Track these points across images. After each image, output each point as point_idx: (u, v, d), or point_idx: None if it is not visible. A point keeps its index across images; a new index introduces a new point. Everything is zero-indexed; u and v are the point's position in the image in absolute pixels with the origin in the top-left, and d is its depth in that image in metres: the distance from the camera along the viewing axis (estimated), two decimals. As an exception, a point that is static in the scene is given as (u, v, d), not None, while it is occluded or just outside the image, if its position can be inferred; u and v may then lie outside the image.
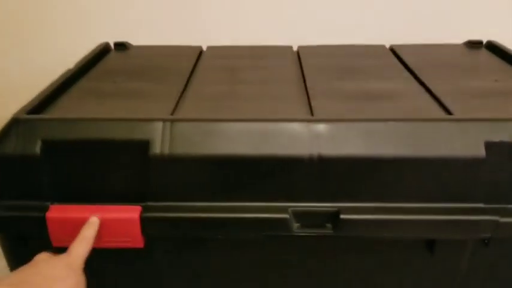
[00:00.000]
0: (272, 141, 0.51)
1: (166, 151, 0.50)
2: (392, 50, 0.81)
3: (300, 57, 0.77)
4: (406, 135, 0.51)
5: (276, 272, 0.56)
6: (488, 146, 0.50)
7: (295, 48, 0.83)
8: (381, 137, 0.51)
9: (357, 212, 0.51)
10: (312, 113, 0.56)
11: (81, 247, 0.47)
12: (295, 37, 0.89)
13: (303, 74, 0.69)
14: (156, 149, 0.50)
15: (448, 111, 0.56)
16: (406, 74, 0.69)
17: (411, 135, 0.51)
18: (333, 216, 0.51)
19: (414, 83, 0.65)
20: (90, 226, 0.48)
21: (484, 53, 0.79)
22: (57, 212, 0.50)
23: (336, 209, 0.51)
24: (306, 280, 0.57)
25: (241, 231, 0.51)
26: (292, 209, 0.51)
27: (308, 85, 0.64)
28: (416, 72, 0.69)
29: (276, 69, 0.71)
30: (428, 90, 0.63)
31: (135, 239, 0.50)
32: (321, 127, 0.51)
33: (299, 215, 0.51)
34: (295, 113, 0.56)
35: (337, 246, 0.54)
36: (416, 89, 0.63)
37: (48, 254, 0.47)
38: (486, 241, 0.52)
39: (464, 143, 0.50)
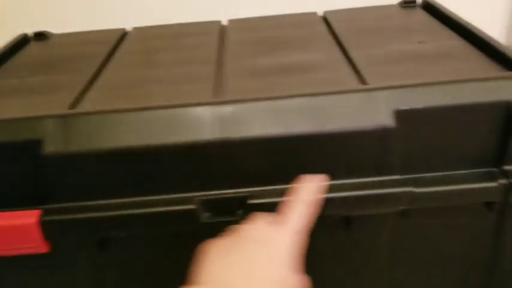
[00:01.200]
0: (173, 129, 0.48)
1: (60, 149, 0.47)
2: (325, 17, 0.77)
3: (226, 33, 0.74)
4: (311, 111, 0.48)
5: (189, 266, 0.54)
6: (398, 114, 0.48)
7: (225, 23, 0.79)
8: (286, 114, 0.48)
9: (266, 195, 0.49)
10: (222, 94, 0.53)
11: (299, 218, 0.42)
12: (228, 11, 0.86)
13: (225, 51, 0.66)
14: (50, 147, 0.47)
15: (363, 81, 0.54)
16: (331, 43, 0.66)
17: (317, 110, 0.48)
18: (242, 202, 0.48)
19: (337, 52, 0.63)
20: (308, 193, 0.44)
21: (418, 13, 0.76)
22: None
23: (244, 194, 0.48)
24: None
25: (149, 226, 0.49)
26: (200, 198, 0.49)
27: (226, 63, 0.62)
28: (342, 40, 0.66)
29: (197, 48, 0.68)
30: (349, 59, 0.60)
31: (38, 245, 0.48)
32: (226, 109, 0.49)
33: (207, 204, 0.49)
34: (203, 96, 0.53)
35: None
36: (338, 59, 0.61)
37: (260, 224, 0.41)
38: (404, 213, 0.50)
39: (372, 113, 0.48)
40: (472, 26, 0.64)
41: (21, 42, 0.75)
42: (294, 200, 0.44)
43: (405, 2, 0.78)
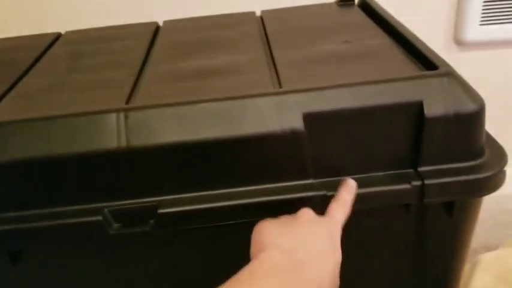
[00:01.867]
0: (78, 137, 0.47)
1: (-42, 161, 0.45)
2: (261, 17, 0.76)
3: (159, 34, 0.72)
4: (220, 116, 0.47)
5: (105, 276, 0.53)
6: (308, 117, 0.47)
7: (161, 24, 0.78)
8: (193, 120, 0.47)
9: (178, 204, 0.48)
10: (134, 100, 0.52)
11: (342, 212, 0.45)
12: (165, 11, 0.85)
13: (151, 54, 0.65)
14: None
15: (280, 84, 0.53)
16: (259, 44, 0.65)
17: (225, 115, 0.47)
18: (152, 211, 0.47)
19: (262, 54, 0.62)
20: (349, 190, 0.46)
21: (355, 12, 0.75)
22: None
23: (154, 203, 0.47)
24: (137, 281, 0.54)
25: (57, 239, 0.48)
26: (108, 208, 0.47)
27: (147, 67, 0.60)
28: (271, 41, 0.65)
29: (124, 52, 0.66)
30: (272, 60, 0.59)
31: None
32: (130, 115, 0.47)
33: (116, 215, 0.48)
34: (117, 102, 0.52)
35: (164, 241, 0.51)
36: (261, 61, 0.60)
37: (311, 212, 0.44)
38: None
39: (281, 117, 0.47)
40: (401, 25, 0.64)
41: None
42: (338, 197, 0.46)
43: (342, 0, 0.78)
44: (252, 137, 0.47)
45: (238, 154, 0.47)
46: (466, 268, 0.71)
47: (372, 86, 0.48)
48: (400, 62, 0.55)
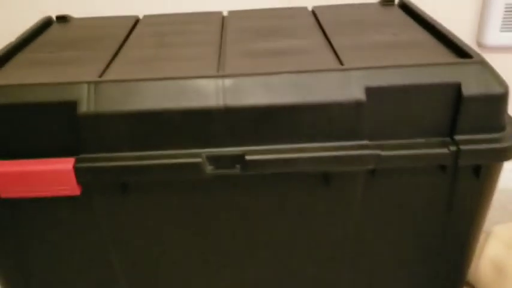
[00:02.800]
0: (185, 96, 0.59)
1: (92, 109, 0.58)
2: (313, 11, 0.88)
3: (226, 22, 0.84)
4: (298, 85, 0.59)
5: (194, 213, 0.65)
6: (368, 90, 0.59)
7: (226, 14, 0.90)
8: (277, 87, 0.59)
9: (260, 153, 0.59)
10: (223, 70, 0.64)
11: None
12: (228, 4, 0.97)
13: (225, 36, 0.77)
14: (83, 108, 0.58)
15: (341, 63, 0.64)
16: (317, 32, 0.77)
17: (303, 85, 0.59)
18: (240, 158, 0.59)
19: (321, 40, 0.73)
20: None
21: (395, 11, 0.87)
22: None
23: (242, 152, 0.59)
24: (223, 220, 0.66)
25: (164, 175, 0.59)
26: (205, 153, 0.59)
27: (226, 47, 0.72)
28: (327, 30, 0.77)
29: (201, 34, 0.78)
30: (331, 45, 0.71)
31: (72, 187, 0.58)
32: (226, 81, 0.59)
33: (211, 159, 0.60)
34: (207, 71, 0.64)
35: (246, 186, 0.63)
36: (321, 45, 0.71)
37: None
38: (372, 172, 0.62)
39: (348, 89, 0.59)
40: (437, 22, 0.76)
41: (45, 24, 0.85)
42: None
43: (384, 1, 0.90)
44: (323, 104, 0.59)
45: (311, 117, 0.59)
46: (480, 238, 0.82)
47: (421, 68, 0.60)
48: (441, 52, 0.67)
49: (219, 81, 0.59)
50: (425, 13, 0.81)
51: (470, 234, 0.70)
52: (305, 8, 0.90)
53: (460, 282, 0.77)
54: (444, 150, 0.60)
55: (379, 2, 0.91)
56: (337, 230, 0.67)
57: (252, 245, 0.68)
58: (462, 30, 1.04)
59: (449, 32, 0.71)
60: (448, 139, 0.61)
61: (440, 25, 0.74)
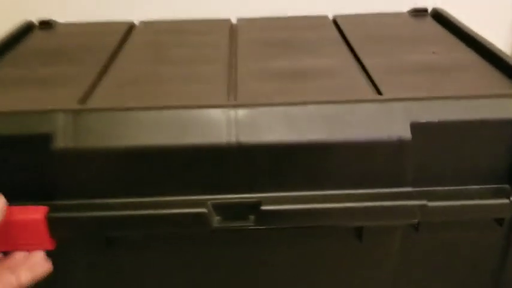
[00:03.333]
0: (187, 130, 0.47)
1: (71, 144, 0.46)
2: (335, 21, 0.77)
3: (236, 31, 0.73)
4: (327, 119, 0.48)
5: (199, 270, 0.53)
6: (414, 127, 0.47)
7: (234, 21, 0.78)
8: (302, 121, 0.48)
9: (279, 202, 0.48)
10: (235, 97, 0.53)
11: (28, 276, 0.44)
12: (236, 8, 0.85)
13: (236, 50, 0.65)
14: (60, 142, 0.46)
15: (378, 90, 0.53)
16: (343, 48, 0.66)
17: (333, 118, 0.48)
18: (255, 208, 0.48)
19: (349, 58, 0.62)
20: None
21: (429, 22, 0.76)
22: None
23: (257, 199, 0.48)
24: (232, 277, 0.54)
25: (158, 228, 0.48)
26: (211, 201, 0.48)
27: (237, 64, 0.61)
28: (354, 45, 0.66)
29: (207, 46, 0.67)
30: (362, 66, 0.60)
31: (43, 241, 0.47)
32: (240, 113, 0.48)
33: (219, 208, 0.48)
34: (217, 97, 0.53)
35: (261, 239, 0.51)
36: (350, 65, 0.60)
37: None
38: (416, 226, 0.50)
39: (389, 124, 0.47)
40: (481, 37, 0.65)
41: (25, 30, 0.73)
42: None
43: (415, 11, 0.78)
44: (358, 143, 0.47)
45: (343, 158, 0.48)
46: None
47: (478, 100, 0.49)
48: (494, 76, 0.56)
49: (231, 112, 0.48)
50: (465, 25, 0.69)
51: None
52: (325, 17, 0.79)
53: None
54: (503, 201, 0.49)
55: (410, 12, 0.79)
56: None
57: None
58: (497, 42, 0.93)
59: (500, 51, 0.60)
60: (507, 186, 0.50)
61: (486, 41, 0.63)
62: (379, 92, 0.53)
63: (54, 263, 0.48)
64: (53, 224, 0.46)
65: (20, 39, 0.70)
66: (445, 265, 0.55)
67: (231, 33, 0.72)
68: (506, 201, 0.49)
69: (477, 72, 0.58)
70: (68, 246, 0.49)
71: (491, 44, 0.62)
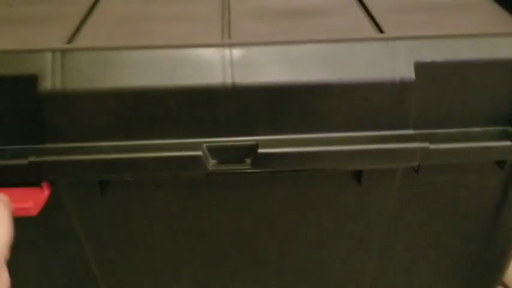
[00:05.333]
0: (180, 71, 0.45)
1: (59, 86, 0.44)
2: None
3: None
4: (327, 58, 0.45)
5: (195, 215, 0.53)
6: (418, 67, 0.46)
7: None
8: (300, 61, 0.45)
9: (276, 144, 0.47)
10: (229, 36, 0.50)
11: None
12: None
13: (229, -12, 0.62)
14: (47, 84, 0.44)
15: (380, 29, 0.51)
16: (343, -14, 0.62)
17: (333, 58, 0.46)
18: (251, 150, 0.46)
19: (350, -4, 0.59)
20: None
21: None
22: None
23: (254, 142, 0.46)
24: (227, 222, 0.53)
25: (153, 171, 0.46)
26: (207, 144, 0.46)
27: (231, 2, 0.58)
28: (354, -16, 0.62)
29: (200, -15, 0.63)
30: (363, 4, 0.57)
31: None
32: (235, 52, 0.45)
33: (215, 151, 0.47)
34: (211, 37, 0.50)
35: (259, 182, 0.50)
36: (350, 3, 0.57)
37: None
38: (416, 169, 0.49)
39: (391, 64, 0.45)
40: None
41: (7, -32, 0.69)
42: None
43: None
44: (358, 83, 0.46)
45: (342, 99, 0.46)
46: None
47: (483, 38, 0.47)
48: (499, 16, 0.54)
49: (226, 52, 0.45)
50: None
51: (518, 236, 0.58)
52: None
53: (495, 283, 0.66)
54: (506, 143, 0.48)
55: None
56: (365, 235, 0.55)
57: (262, 253, 0.56)
58: None
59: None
60: (510, 128, 0.49)
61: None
62: (380, 31, 0.50)
63: (47, 212, 0.47)
64: (44, 167, 0.45)
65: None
66: (443, 209, 0.54)
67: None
68: (508, 143, 0.48)
69: (483, 11, 0.55)
70: (61, 193, 0.48)
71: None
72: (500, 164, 0.50)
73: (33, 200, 0.45)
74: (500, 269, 0.63)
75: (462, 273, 0.62)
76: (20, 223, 0.40)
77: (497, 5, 0.56)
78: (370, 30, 0.51)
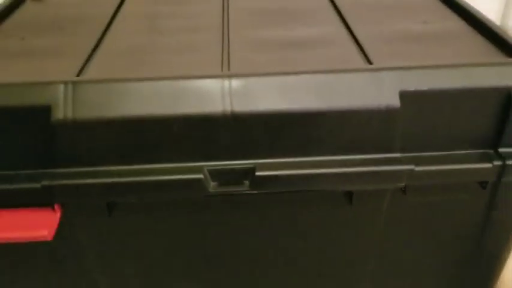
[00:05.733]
0: (183, 100, 0.49)
1: (70, 115, 0.47)
2: (326, -11, 0.77)
3: (228, 1, 0.73)
4: (319, 88, 0.49)
5: (196, 235, 0.56)
6: (403, 95, 0.49)
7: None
8: (294, 90, 0.49)
9: (273, 167, 0.50)
10: (229, 66, 0.54)
11: None
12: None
13: (228, 20, 0.66)
14: (59, 114, 0.47)
15: (368, 60, 0.55)
16: (334, 17, 0.66)
17: (325, 88, 0.49)
18: (249, 173, 0.50)
19: (341, 27, 0.63)
20: None
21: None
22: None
23: (252, 165, 0.50)
24: (228, 241, 0.57)
25: (156, 194, 0.50)
26: (208, 168, 0.50)
27: (231, 34, 0.62)
28: (345, 15, 0.66)
29: (201, 16, 0.67)
30: (353, 36, 0.61)
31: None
32: (234, 82, 0.49)
33: (215, 174, 0.50)
34: (211, 67, 0.54)
35: (256, 204, 0.53)
36: (341, 34, 0.61)
37: None
38: (403, 189, 0.53)
39: (378, 93, 0.49)
40: (472, 8, 0.66)
41: (17, 2, 0.73)
42: None
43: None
44: (348, 111, 0.49)
45: (334, 125, 0.50)
46: None
47: (466, 68, 0.50)
48: (481, 46, 0.57)
49: (225, 82, 0.49)
50: (455, -5, 0.70)
51: (503, 253, 0.62)
52: (316, -14, 0.79)
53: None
54: (487, 165, 0.51)
55: (400, -20, 0.80)
56: (357, 252, 0.58)
57: (262, 270, 0.59)
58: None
59: (490, 21, 0.61)
60: (491, 152, 0.52)
61: (477, 11, 0.64)
62: (369, 61, 0.54)
63: (60, 232, 0.50)
64: (56, 192, 0.48)
65: (12, 11, 0.70)
66: (430, 227, 0.58)
67: (222, 2, 0.72)
68: (489, 165, 0.51)
69: (467, 42, 0.59)
70: (71, 215, 0.51)
71: (481, 14, 0.64)
72: (482, 184, 0.53)
73: (48, 227, 0.49)
74: (489, 285, 0.66)
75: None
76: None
77: (480, 36, 0.60)
78: (359, 61, 0.54)
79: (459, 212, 0.56)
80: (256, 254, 0.58)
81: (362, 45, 0.58)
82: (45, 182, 0.48)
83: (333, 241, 0.57)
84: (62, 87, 0.48)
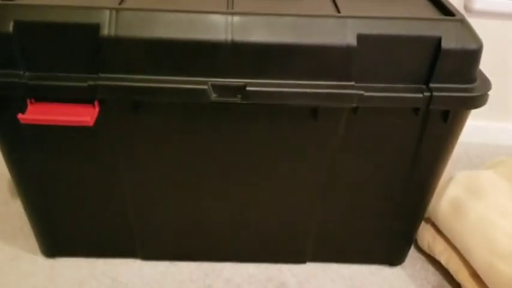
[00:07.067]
0: (196, 29, 0.66)
1: (113, 33, 0.64)
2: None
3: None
4: (297, 28, 0.66)
5: (197, 136, 0.73)
6: (360, 37, 0.66)
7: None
8: (278, 28, 0.66)
9: (260, 85, 0.67)
10: (232, 6, 0.71)
11: None
12: None
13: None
14: (105, 31, 0.64)
15: (338, 11, 0.72)
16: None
17: (301, 28, 0.66)
18: (242, 88, 0.67)
19: (322, -13, 0.80)
20: None
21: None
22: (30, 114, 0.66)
23: (244, 83, 0.67)
24: (219, 143, 0.74)
25: (172, 98, 0.67)
26: (211, 82, 0.67)
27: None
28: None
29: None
30: (331, -6, 0.78)
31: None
32: (235, 19, 0.66)
33: (216, 87, 0.67)
34: (219, 7, 0.71)
35: (245, 112, 0.71)
36: (322, -8, 0.78)
37: None
38: (355, 110, 0.70)
39: (341, 34, 0.66)
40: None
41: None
42: None
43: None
44: (318, 46, 0.66)
45: (306, 57, 0.67)
46: (441, 182, 0.91)
47: (408, 21, 0.68)
48: (427, 9, 0.74)
49: (229, 18, 0.66)
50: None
51: (434, 173, 0.80)
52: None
53: (420, 218, 0.88)
54: (419, 95, 0.69)
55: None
56: (315, 166, 0.76)
57: (241, 166, 0.77)
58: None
59: (436, -10, 0.78)
60: (423, 86, 0.70)
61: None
62: (338, 12, 0.71)
63: (96, 125, 0.67)
64: (99, 89, 0.65)
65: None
66: (374, 147, 0.75)
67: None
68: (420, 95, 0.69)
69: (416, 5, 0.76)
70: (107, 110, 0.68)
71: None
72: (416, 111, 0.71)
73: (90, 115, 0.66)
74: (422, 204, 0.84)
75: (389, 207, 0.83)
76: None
77: (428, 1, 0.77)
78: (331, 11, 0.71)
79: (398, 134, 0.74)
80: (240, 153, 0.76)
81: (335, 2, 0.75)
82: (91, 82, 0.66)
83: (299, 151, 0.75)
84: (108, 12, 0.64)
